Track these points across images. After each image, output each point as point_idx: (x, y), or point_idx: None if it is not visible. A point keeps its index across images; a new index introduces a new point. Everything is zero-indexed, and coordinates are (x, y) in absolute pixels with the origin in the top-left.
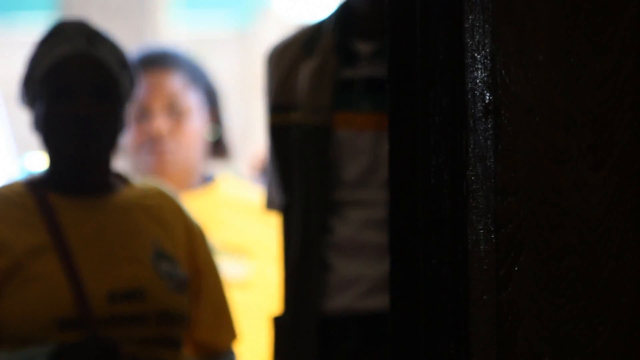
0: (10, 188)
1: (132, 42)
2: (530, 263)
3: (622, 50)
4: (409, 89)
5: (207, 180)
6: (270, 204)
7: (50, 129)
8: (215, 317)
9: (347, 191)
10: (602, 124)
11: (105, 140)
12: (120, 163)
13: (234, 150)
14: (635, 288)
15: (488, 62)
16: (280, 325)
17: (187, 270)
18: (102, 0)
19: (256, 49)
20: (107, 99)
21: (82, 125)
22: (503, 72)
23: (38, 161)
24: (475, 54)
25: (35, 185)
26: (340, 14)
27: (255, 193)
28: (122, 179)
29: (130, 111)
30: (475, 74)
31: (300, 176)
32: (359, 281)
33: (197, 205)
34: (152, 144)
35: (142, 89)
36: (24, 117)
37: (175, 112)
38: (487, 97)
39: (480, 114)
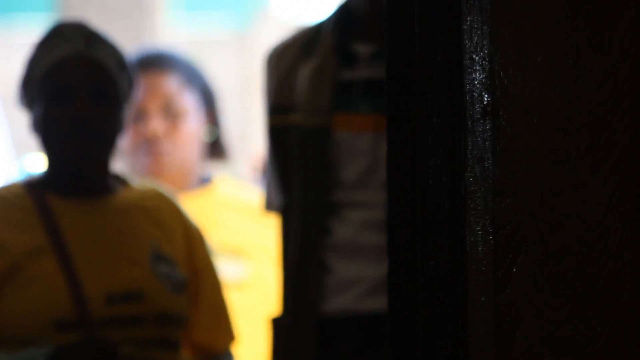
0: (9, 189)
1: (130, 43)
2: (529, 264)
3: (621, 51)
4: (407, 90)
5: (204, 181)
6: (269, 205)
7: (48, 130)
8: (213, 319)
9: (346, 192)
10: (600, 125)
11: (104, 141)
12: (117, 164)
13: (232, 152)
14: (634, 289)
15: (486, 63)
16: (279, 326)
17: (186, 272)
18: (101, 1)
19: (255, 50)
20: (106, 100)
21: (80, 127)
22: (501, 73)
23: (37, 162)
24: (474, 55)
25: (33, 187)
26: (340, 16)
27: (253, 194)
28: (120, 181)
29: (129, 112)
30: (474, 75)
31: (299, 177)
32: (358, 282)
33: (194, 207)
34: (148, 146)
35: (138, 91)
36: (22, 119)
37: (171, 113)
38: (486, 99)
39: (479, 115)
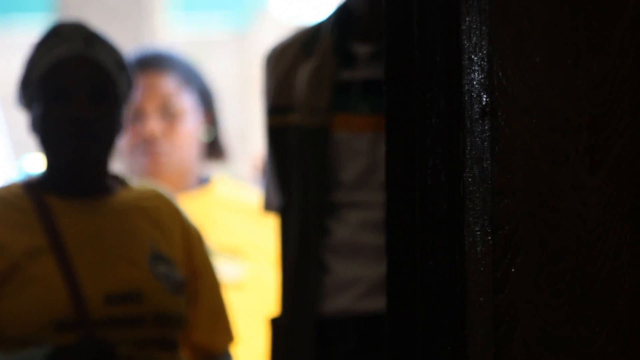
0: (8, 190)
1: (129, 43)
2: (527, 265)
3: (620, 51)
4: (406, 91)
5: (203, 181)
6: (268, 206)
7: (47, 131)
8: (212, 319)
9: (344, 193)
10: (599, 125)
11: (103, 142)
12: (116, 165)
13: (231, 152)
14: (633, 289)
15: (485, 63)
16: (278, 326)
17: (184, 272)
18: (99, 2)
19: (254, 50)
20: (105, 101)
21: (79, 127)
22: (500, 73)
23: (35, 163)
24: (472, 56)
25: (32, 187)
26: (339, 16)
27: (251, 194)
28: (119, 181)
29: (128, 113)
30: (472, 76)
31: (298, 177)
32: (357, 283)
33: (192, 207)
34: (146, 146)
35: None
36: (21, 119)
37: (169, 113)
38: (484, 99)
39: (477, 116)
